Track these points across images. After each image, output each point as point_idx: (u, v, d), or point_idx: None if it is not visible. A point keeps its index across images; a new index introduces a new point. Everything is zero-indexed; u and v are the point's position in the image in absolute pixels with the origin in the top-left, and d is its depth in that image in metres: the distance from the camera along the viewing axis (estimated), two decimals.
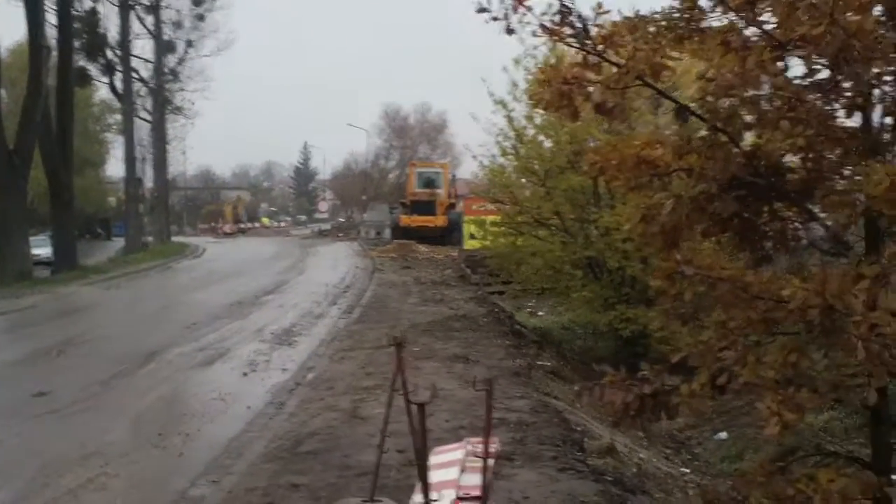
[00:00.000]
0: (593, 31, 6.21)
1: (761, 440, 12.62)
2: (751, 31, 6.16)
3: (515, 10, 6.18)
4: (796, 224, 6.66)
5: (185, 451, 9.73)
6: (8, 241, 32.28)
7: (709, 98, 6.09)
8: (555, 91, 6.14)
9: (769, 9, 5.98)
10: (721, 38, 6.04)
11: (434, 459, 8.39)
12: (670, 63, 6.26)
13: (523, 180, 20.52)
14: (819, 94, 5.92)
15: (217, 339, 17.53)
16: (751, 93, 5.85)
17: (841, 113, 5.81)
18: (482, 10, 6.14)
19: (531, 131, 19.28)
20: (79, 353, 16.39)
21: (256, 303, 24.27)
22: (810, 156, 5.98)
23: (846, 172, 5.88)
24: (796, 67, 5.99)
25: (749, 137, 6.37)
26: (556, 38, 6.25)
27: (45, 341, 17.66)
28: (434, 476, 7.78)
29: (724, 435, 13.89)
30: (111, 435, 10.54)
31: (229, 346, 16.68)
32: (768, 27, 6.00)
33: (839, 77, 5.64)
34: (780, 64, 5.93)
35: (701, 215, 6.40)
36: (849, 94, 5.70)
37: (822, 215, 6.25)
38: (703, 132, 6.41)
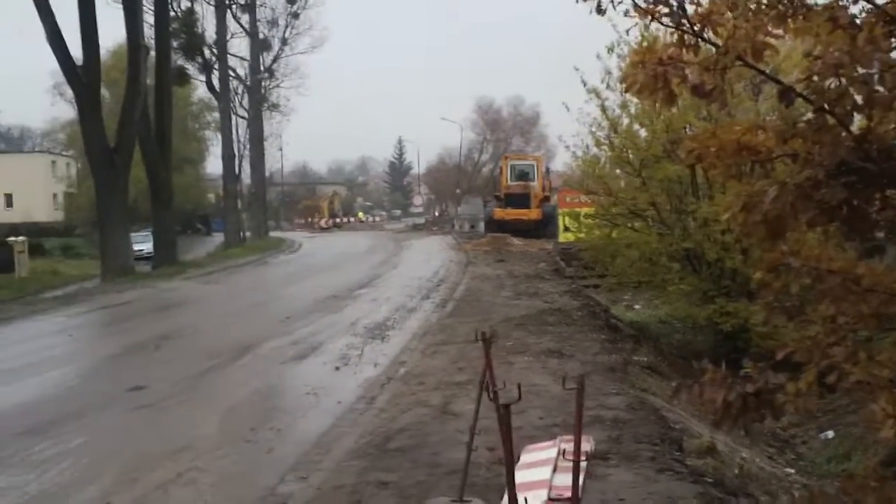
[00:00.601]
0: (690, 9, 5.87)
1: (870, 440, 12.09)
2: (858, 7, 5.76)
3: None
4: None
5: (275, 447, 9.66)
6: (110, 237, 33.05)
7: (815, 78, 5.70)
8: (649, 73, 5.82)
9: None
10: (828, 13, 5.66)
11: (525, 458, 8.15)
12: (773, 42, 5.89)
13: (618, 171, 20.06)
14: None
15: (310, 333, 17.56)
16: (862, 72, 5.47)
17: None
18: None
19: (626, 120, 18.84)
20: (175, 346, 16.59)
21: (350, 297, 24.32)
22: None
23: None
24: None
25: (858, 120, 5.97)
26: (650, 17, 5.92)
27: (143, 335, 17.97)
28: (525, 475, 7.54)
29: (830, 434, 13.32)
30: (203, 429, 10.55)
31: (322, 340, 16.68)
32: (879, 1, 5.60)
33: None
34: (892, 41, 5.53)
35: (807, 203, 6.00)
36: None
37: None
38: (809, 115, 6.03)
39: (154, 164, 36.38)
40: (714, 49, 5.78)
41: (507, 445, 5.93)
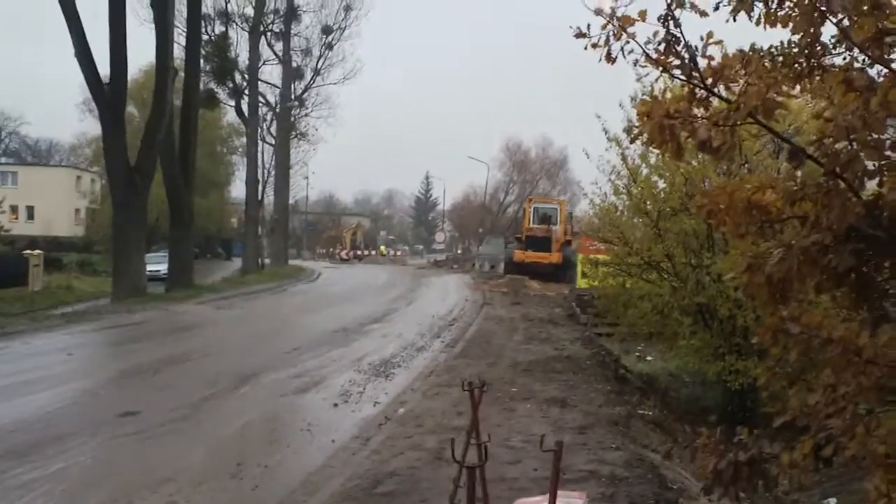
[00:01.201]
0: (702, 62, 5.71)
1: None
2: (876, 70, 5.59)
3: (617, 37, 5.71)
4: None
5: (260, 484, 9.46)
6: (124, 256, 33.11)
7: (826, 140, 5.53)
8: (656, 125, 5.66)
9: None
10: (843, 75, 5.50)
11: None
12: (785, 101, 5.72)
13: (635, 220, 19.87)
14: None
15: (315, 367, 17.38)
16: (874, 136, 5.29)
17: None
18: (580, 34, 5.71)
19: (645, 170, 18.65)
20: (176, 372, 16.44)
21: (361, 331, 24.16)
22: None
23: None
24: None
25: (870, 186, 5.77)
26: (661, 68, 5.76)
27: (146, 358, 17.85)
28: None
29: (833, 501, 12.96)
30: (190, 460, 10.36)
31: (325, 375, 16.50)
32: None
33: None
34: None
35: (813, 268, 5.81)
36: None
37: None
38: (820, 178, 5.85)
39: (175, 184, 36.45)
40: (725, 104, 5.63)
41: None
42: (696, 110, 5.78)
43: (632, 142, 6.22)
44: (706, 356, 17.57)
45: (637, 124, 5.86)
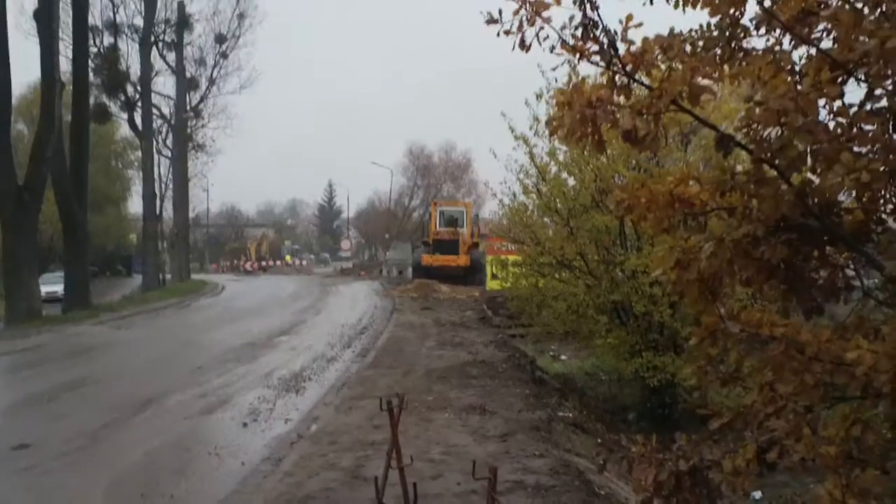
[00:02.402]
0: (622, 47, 5.32)
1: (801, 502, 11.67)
2: (799, 53, 5.31)
3: (531, 22, 5.28)
4: (848, 271, 5.72)
5: None
6: (16, 278, 31.77)
7: (755, 126, 5.19)
8: (577, 115, 5.25)
9: (826, 23, 5.11)
10: (771, 56, 5.18)
11: None
12: (710, 85, 5.38)
13: (546, 220, 19.61)
14: (881, 123, 5.03)
15: (221, 385, 16.67)
16: (806, 120, 4.97)
17: None
18: (491, 21, 5.28)
19: (554, 168, 18.41)
20: (73, 399, 15.55)
21: (268, 344, 23.46)
22: (868, 194, 5.04)
23: None
24: (851, 94, 5.11)
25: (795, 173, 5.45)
26: (579, 55, 5.35)
27: (40, 385, 16.90)
28: None
29: (757, 495, 12.80)
30: (87, 496, 9.67)
31: (232, 393, 15.82)
32: (824, 45, 5.13)
33: None
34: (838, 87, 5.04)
35: (746, 261, 5.47)
36: None
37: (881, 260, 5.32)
38: (746, 166, 5.52)
39: (68, 202, 35.01)
40: (648, 91, 5.27)
41: None
42: (617, 98, 5.41)
43: (551, 134, 5.79)
44: (623, 354, 17.41)
45: (555, 115, 5.46)
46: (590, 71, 17.38)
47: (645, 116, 5.25)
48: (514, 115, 18.77)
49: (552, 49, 5.43)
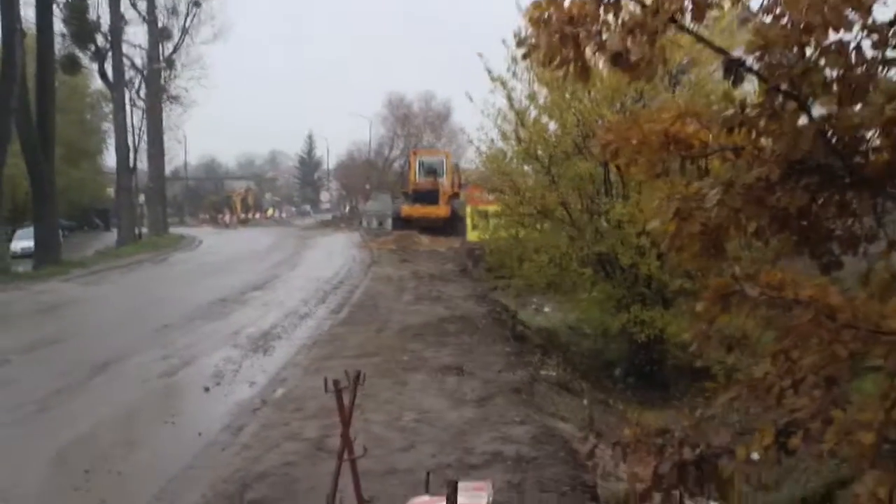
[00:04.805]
0: None
1: (801, 468, 10.89)
2: None
3: None
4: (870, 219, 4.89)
5: (108, 498, 7.98)
6: None
7: (772, 48, 4.32)
8: (555, 34, 4.36)
9: None
10: None
11: None
12: None
13: (525, 167, 18.71)
14: None
15: (186, 345, 15.80)
16: (837, 37, 4.13)
17: None
18: None
19: (534, 112, 17.50)
20: (27, 361, 14.64)
21: (240, 300, 22.60)
22: None
23: None
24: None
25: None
26: None
27: None
28: None
29: (755, 456, 12.05)
30: (28, 474, 8.84)
31: (197, 353, 14.98)
32: None
33: None
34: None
35: (758, 209, 4.61)
36: None
37: None
38: (758, 98, 4.65)
39: (34, 155, 33.70)
40: (641, 7, 4.41)
41: None
42: (604, 15, 4.52)
43: (524, 58, 4.86)
44: (609, 308, 16.66)
45: (532, 32, 4.57)
46: None
47: (638, 37, 4.37)
48: (492, 58, 17.78)
49: None
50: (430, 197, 48.33)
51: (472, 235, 35.73)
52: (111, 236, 55.63)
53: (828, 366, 4.32)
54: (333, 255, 38.64)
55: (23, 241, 39.70)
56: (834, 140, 4.44)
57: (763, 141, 4.66)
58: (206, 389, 12.35)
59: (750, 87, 5.08)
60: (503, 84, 17.49)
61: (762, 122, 4.52)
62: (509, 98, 17.68)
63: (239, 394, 12.08)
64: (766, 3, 4.32)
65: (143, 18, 57.07)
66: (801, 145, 4.38)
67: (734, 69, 4.69)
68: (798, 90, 4.33)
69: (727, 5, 4.70)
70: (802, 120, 4.43)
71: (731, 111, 4.58)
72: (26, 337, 17.19)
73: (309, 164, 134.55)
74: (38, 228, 35.48)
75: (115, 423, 10.95)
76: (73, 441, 9.98)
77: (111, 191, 75.67)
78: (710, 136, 4.87)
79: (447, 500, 4.04)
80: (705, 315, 4.52)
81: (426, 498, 6.97)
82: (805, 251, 4.90)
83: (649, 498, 4.70)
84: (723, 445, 4.45)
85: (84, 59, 51.57)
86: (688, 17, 4.41)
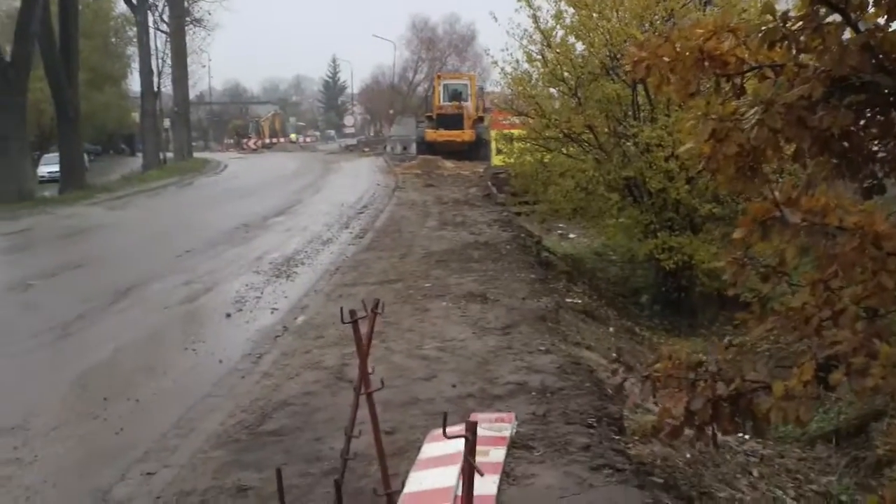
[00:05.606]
0: None
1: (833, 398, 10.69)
2: None
3: None
4: None
5: (127, 426, 7.87)
6: (6, 159, 30.50)
7: None
8: None
9: None
10: None
11: (426, 450, 6.45)
12: None
13: (551, 90, 18.26)
14: None
15: (208, 271, 15.73)
16: None
17: None
18: None
19: (560, 32, 16.99)
20: (51, 286, 14.65)
21: (263, 226, 22.55)
22: None
23: None
24: None
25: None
26: None
27: (20, 272, 16.02)
28: (423, 481, 5.87)
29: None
30: (48, 399, 8.80)
31: (219, 279, 14.90)
32: None
33: None
34: None
35: (798, 130, 4.31)
36: None
37: None
38: (800, 11, 4.34)
39: (58, 79, 33.59)
40: None
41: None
42: None
43: None
44: (636, 234, 16.33)
45: None
46: None
47: None
48: None
49: None
50: (454, 121, 47.86)
51: (496, 160, 35.28)
52: (136, 161, 55.73)
53: (871, 296, 4.08)
54: (358, 179, 38.45)
55: (49, 166, 40.47)
56: (881, 56, 4.15)
57: (804, 57, 4.36)
58: (228, 315, 12.25)
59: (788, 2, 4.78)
60: (528, 3, 17.01)
61: (804, 37, 4.23)
62: (535, 18, 17.20)
63: (261, 320, 11.95)
64: None
65: None
66: (846, 61, 4.09)
67: None
68: (844, 1, 4.04)
69: None
70: (847, 34, 4.15)
71: (771, 25, 4.28)
72: (50, 261, 17.21)
73: (333, 88, 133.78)
74: (63, 153, 35.55)
75: (136, 349, 10.89)
76: (94, 367, 9.92)
77: (136, 115, 75.53)
78: (747, 52, 4.56)
79: (465, 442, 3.82)
80: (741, 242, 4.25)
81: (449, 428, 6.84)
82: (845, 174, 4.63)
83: (680, 433, 4.51)
84: (759, 380, 4.22)
85: None
86: None
